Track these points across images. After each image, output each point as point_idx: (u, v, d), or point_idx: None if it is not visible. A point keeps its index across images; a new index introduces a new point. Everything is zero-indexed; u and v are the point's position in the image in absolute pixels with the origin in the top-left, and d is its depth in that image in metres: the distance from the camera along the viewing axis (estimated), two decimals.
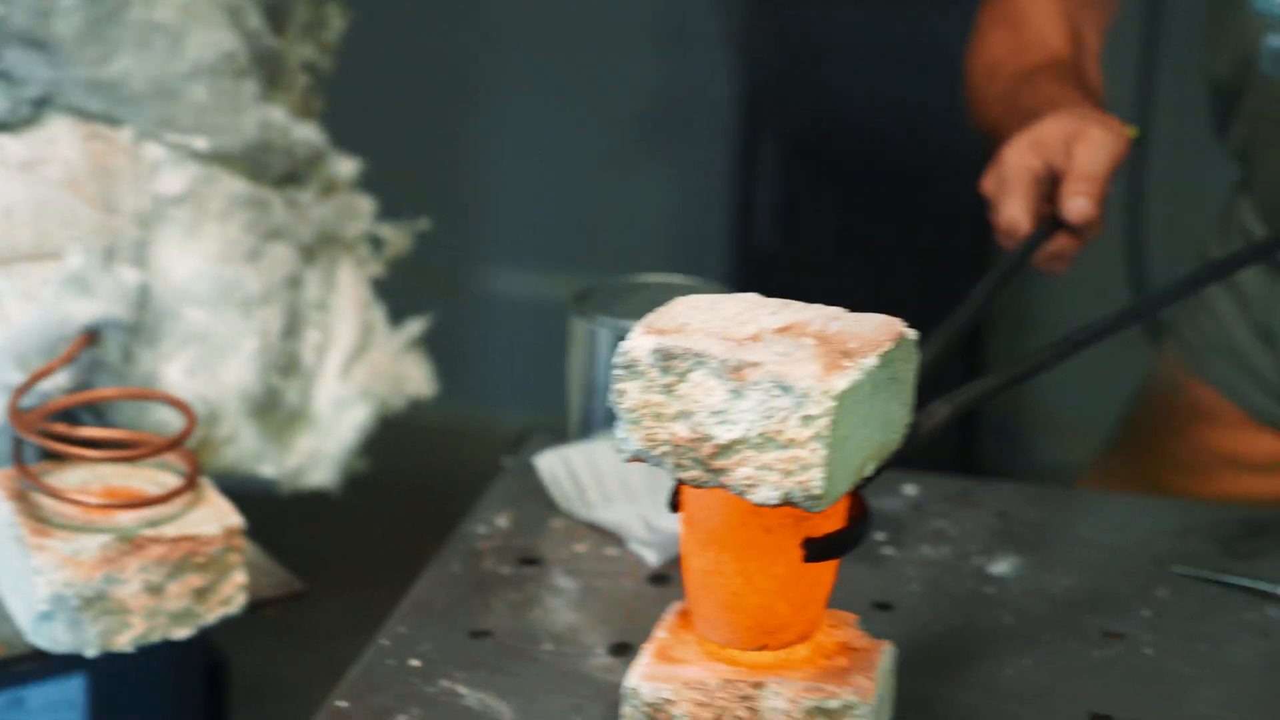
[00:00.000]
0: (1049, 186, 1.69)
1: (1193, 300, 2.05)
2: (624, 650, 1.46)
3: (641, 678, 1.28)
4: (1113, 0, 2.00)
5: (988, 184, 1.72)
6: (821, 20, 3.34)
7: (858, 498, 1.33)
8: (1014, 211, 1.67)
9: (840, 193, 3.41)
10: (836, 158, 3.39)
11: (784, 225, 3.44)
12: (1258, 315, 1.96)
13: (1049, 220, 1.69)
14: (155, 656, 1.54)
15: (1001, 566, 1.61)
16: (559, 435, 1.75)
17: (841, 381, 1.18)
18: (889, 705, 1.33)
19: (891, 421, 1.27)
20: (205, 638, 1.57)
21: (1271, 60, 1.84)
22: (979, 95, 1.94)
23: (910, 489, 1.72)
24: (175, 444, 1.59)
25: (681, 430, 1.21)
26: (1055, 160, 1.69)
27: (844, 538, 1.30)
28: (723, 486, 1.21)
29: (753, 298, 1.30)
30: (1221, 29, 1.95)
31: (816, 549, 1.28)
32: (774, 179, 3.43)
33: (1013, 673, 1.46)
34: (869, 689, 1.26)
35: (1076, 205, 1.66)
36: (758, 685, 1.26)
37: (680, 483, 1.24)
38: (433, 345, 2.04)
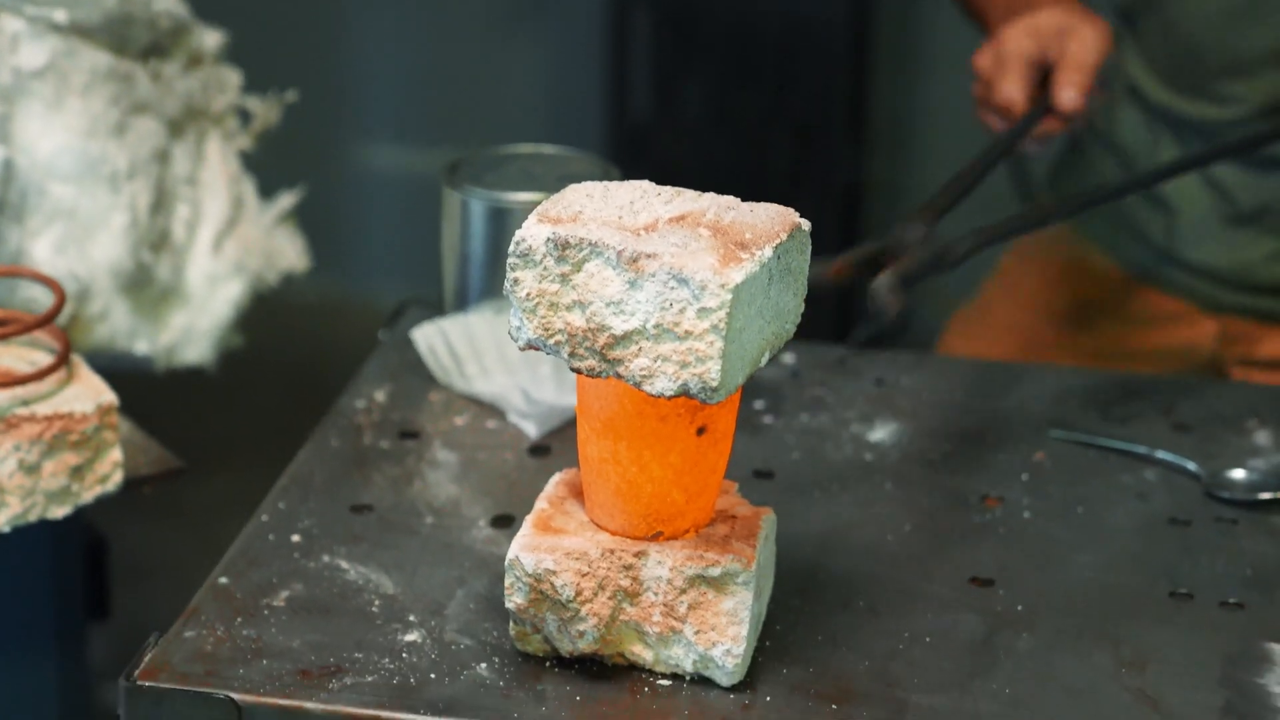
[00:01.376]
0: (1040, 72, 1.75)
1: (1072, 158, 2.08)
2: (505, 522, 1.47)
3: (523, 548, 1.28)
4: None
5: (982, 60, 1.78)
6: None
7: None
8: (1011, 91, 1.73)
9: (713, 63, 3.41)
10: (708, 28, 3.39)
11: (658, 96, 3.44)
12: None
13: (1039, 104, 1.75)
14: (33, 536, 1.54)
15: (879, 433, 1.63)
16: (435, 308, 1.75)
17: (738, 274, 1.18)
18: (770, 572, 1.35)
19: (786, 311, 1.28)
20: (83, 516, 1.57)
21: None
22: None
23: (788, 358, 1.73)
24: (45, 321, 1.57)
25: (577, 320, 1.22)
26: (1050, 48, 1.74)
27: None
28: (618, 377, 1.22)
29: (645, 185, 1.29)
30: None
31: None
32: (647, 50, 3.42)
33: (893, 539, 1.48)
34: (750, 556, 1.27)
35: (1068, 95, 1.72)
36: (640, 554, 1.27)
37: (576, 372, 1.24)
38: (305, 220, 2.03)
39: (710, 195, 1.28)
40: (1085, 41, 1.74)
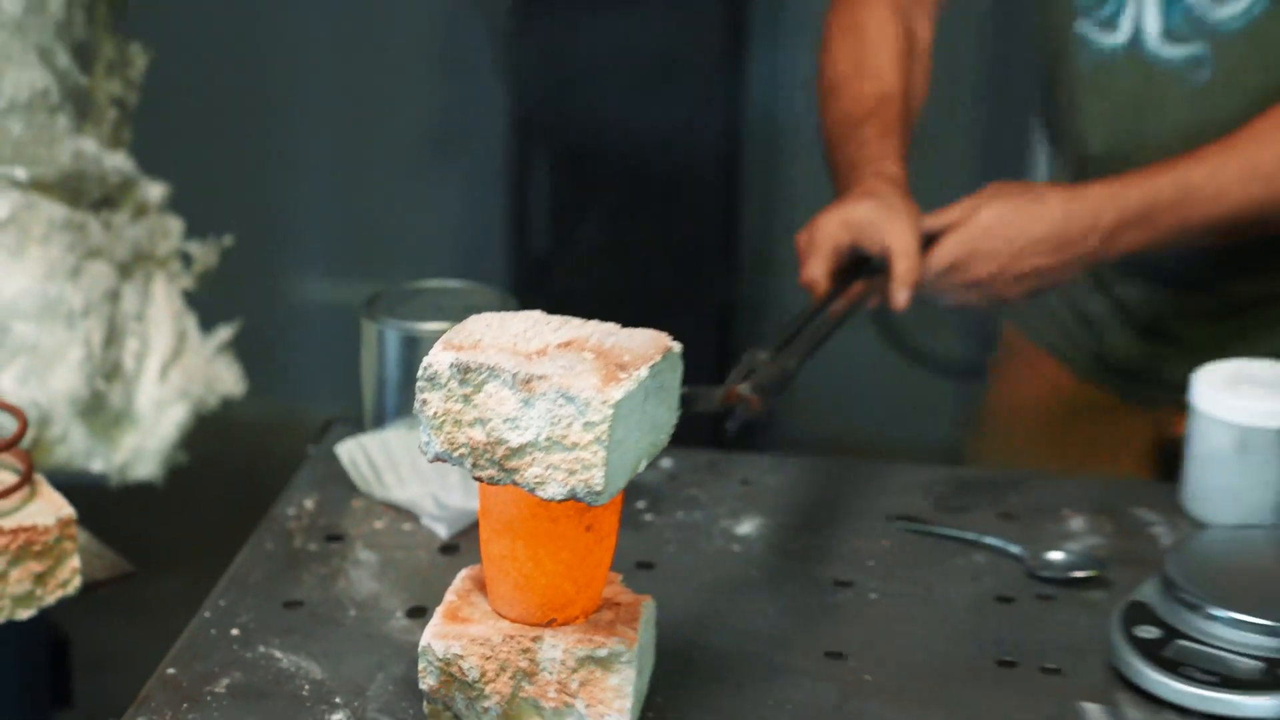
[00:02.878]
0: (849, 254, 1.71)
1: None
2: (419, 613, 1.47)
3: (434, 636, 1.29)
4: None
5: (800, 240, 1.74)
6: (579, 48, 3.34)
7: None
8: (815, 273, 1.70)
9: (603, 201, 3.41)
10: (599, 170, 3.39)
11: (555, 232, 3.44)
12: (1078, 302, 2.00)
13: (847, 276, 1.72)
14: (1, 635, 1.53)
15: (746, 527, 1.63)
16: (357, 425, 1.75)
17: (617, 392, 1.20)
18: (651, 652, 1.36)
19: (661, 423, 1.29)
20: (46, 617, 1.56)
21: (1077, 43, 1.86)
22: (823, 109, 1.93)
23: (665, 462, 1.73)
24: (10, 445, 1.56)
25: (478, 435, 1.23)
26: (860, 240, 1.71)
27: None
28: (515, 484, 1.23)
29: (537, 315, 1.30)
30: (1041, 12, 1.95)
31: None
32: (545, 190, 3.43)
33: (759, 620, 1.48)
34: (632, 638, 1.29)
35: (901, 297, 1.69)
36: (536, 639, 1.28)
37: (478, 480, 1.25)
38: (241, 348, 2.03)
39: (594, 323, 1.29)
40: (900, 233, 1.69)
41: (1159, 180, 1.72)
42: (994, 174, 3.19)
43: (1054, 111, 1.98)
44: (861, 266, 1.73)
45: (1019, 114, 3.33)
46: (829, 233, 1.71)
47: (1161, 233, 1.73)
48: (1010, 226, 1.69)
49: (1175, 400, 1.78)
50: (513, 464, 1.22)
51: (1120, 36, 1.85)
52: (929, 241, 1.72)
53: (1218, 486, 1.63)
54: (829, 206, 1.75)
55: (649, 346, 1.27)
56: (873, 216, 1.71)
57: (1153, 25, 1.82)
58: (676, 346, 1.29)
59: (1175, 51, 1.82)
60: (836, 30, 1.96)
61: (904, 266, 1.68)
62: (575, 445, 1.20)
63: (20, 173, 1.78)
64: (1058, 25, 1.90)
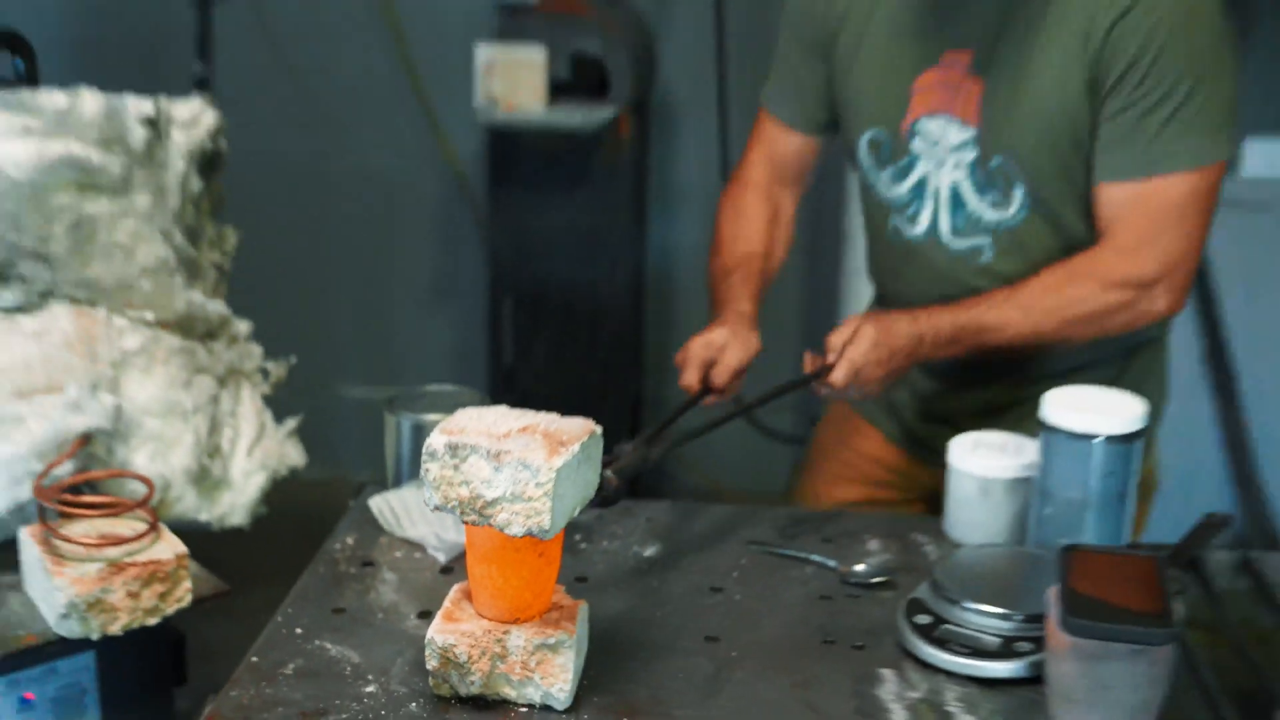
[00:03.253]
0: (709, 365, 1.71)
1: None
2: (426, 615, 1.46)
3: (436, 631, 1.29)
4: (804, 182, 1.98)
5: (678, 358, 1.73)
6: (534, 225, 3.35)
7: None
8: (690, 380, 1.70)
9: (550, 330, 3.41)
10: (547, 308, 3.38)
11: (517, 351, 3.43)
12: (890, 391, 1.93)
13: (706, 384, 1.73)
14: (137, 636, 1.52)
15: (649, 551, 1.63)
16: (382, 485, 1.74)
17: (559, 461, 1.21)
18: (585, 639, 1.36)
19: (588, 482, 1.31)
20: (168, 622, 1.55)
21: (893, 231, 1.84)
22: (710, 262, 1.91)
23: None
24: (143, 504, 1.56)
25: (464, 492, 1.23)
26: (714, 356, 1.71)
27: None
28: (490, 525, 1.23)
29: (504, 409, 1.31)
30: (866, 208, 1.92)
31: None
32: (511, 322, 3.42)
33: (659, 615, 1.48)
34: (572, 631, 1.29)
35: (719, 384, 1.70)
36: (506, 632, 1.29)
37: (465, 522, 1.25)
38: (302, 433, 2.00)
39: (544, 414, 1.30)
40: (736, 354, 1.71)
41: (965, 314, 1.70)
42: (823, 312, 3.22)
43: (879, 273, 1.95)
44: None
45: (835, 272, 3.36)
46: (695, 352, 1.72)
47: (966, 349, 1.72)
48: (882, 344, 1.66)
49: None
50: (488, 511, 1.23)
51: (921, 230, 1.80)
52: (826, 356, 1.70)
53: (967, 519, 1.64)
54: (698, 333, 1.74)
55: (580, 429, 1.28)
56: (722, 341, 1.72)
57: (945, 224, 1.78)
58: (598, 429, 1.30)
59: (962, 243, 1.78)
60: (724, 207, 1.94)
61: (722, 377, 1.70)
62: (530, 498, 1.22)
63: (149, 315, 1.77)
64: (879, 218, 1.86)
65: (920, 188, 1.78)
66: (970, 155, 1.73)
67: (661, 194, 3.62)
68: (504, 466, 1.21)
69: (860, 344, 1.65)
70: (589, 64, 3.26)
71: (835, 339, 1.68)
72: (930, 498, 1.94)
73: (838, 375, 1.65)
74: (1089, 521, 1.52)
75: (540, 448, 1.22)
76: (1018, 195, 1.72)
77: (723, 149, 3.39)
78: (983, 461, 1.62)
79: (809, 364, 1.71)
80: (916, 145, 1.76)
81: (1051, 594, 1.28)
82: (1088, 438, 1.49)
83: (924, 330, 1.69)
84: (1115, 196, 1.67)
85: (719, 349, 1.71)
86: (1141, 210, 1.66)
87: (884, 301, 1.96)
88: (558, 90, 3.23)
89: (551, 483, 1.20)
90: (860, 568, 1.57)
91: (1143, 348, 1.90)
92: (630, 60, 3.26)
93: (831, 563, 1.59)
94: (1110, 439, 1.49)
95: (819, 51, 1.83)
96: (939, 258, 1.80)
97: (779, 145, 1.93)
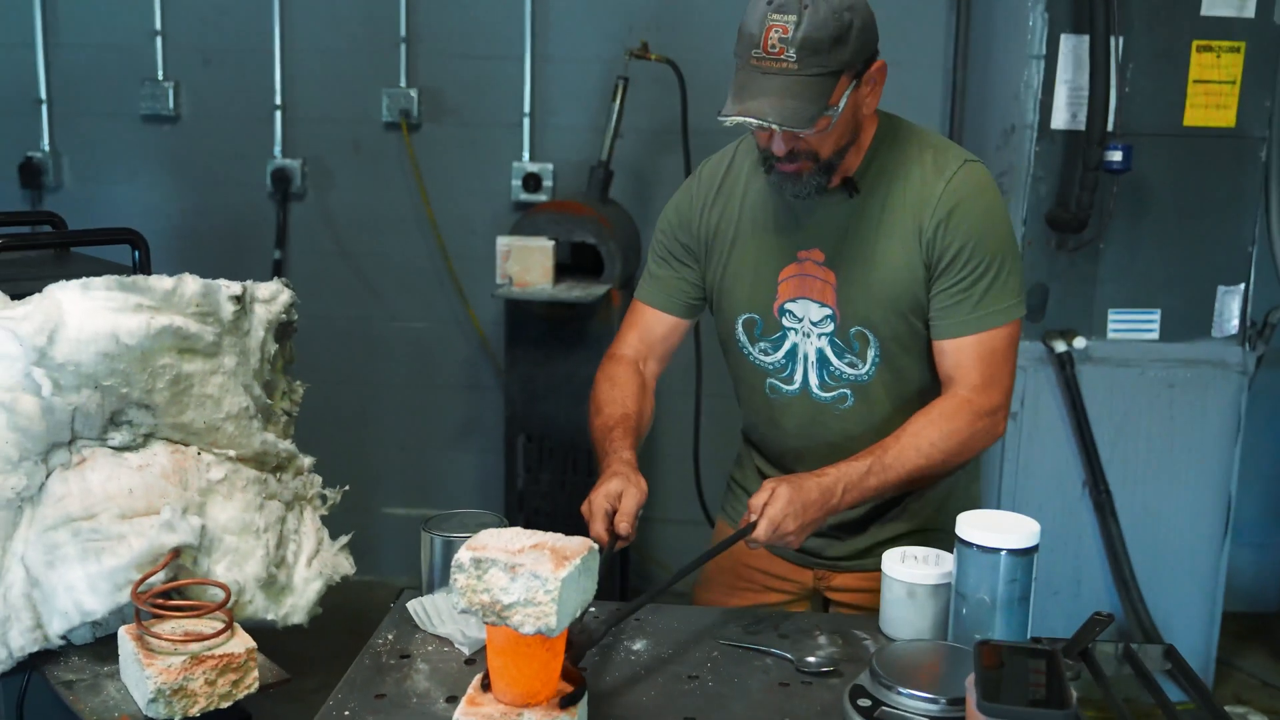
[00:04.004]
0: (612, 515, 1.64)
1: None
2: (453, 700, 1.43)
3: (461, 714, 1.27)
4: (668, 357, 1.94)
5: (584, 508, 1.67)
6: (541, 378, 3.36)
7: (579, 675, 1.34)
8: (598, 530, 1.63)
9: (556, 460, 3.40)
10: (551, 446, 3.37)
11: (528, 481, 3.42)
12: None
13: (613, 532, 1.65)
14: (212, 718, 1.48)
15: (638, 645, 1.60)
16: (417, 591, 1.71)
17: (563, 572, 1.21)
18: (585, 715, 1.33)
19: (587, 589, 1.29)
20: (238, 705, 1.51)
21: (769, 388, 1.83)
22: (591, 421, 1.86)
23: (592, 609, 1.68)
24: (220, 607, 1.54)
25: (485, 598, 1.22)
26: (614, 504, 1.64)
27: (575, 694, 1.31)
28: (507, 625, 1.22)
29: (519, 529, 1.30)
30: (738, 372, 1.88)
31: (567, 698, 1.28)
32: (523, 457, 3.41)
33: (645, 699, 1.46)
34: (574, 713, 1.27)
35: (624, 528, 1.62)
36: (519, 714, 1.26)
37: (486, 622, 1.24)
38: (353, 547, 1.98)
39: (550, 534, 1.30)
40: (631, 499, 1.64)
41: (862, 461, 1.69)
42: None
43: (757, 424, 1.91)
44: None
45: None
46: (598, 504, 1.65)
47: (872, 492, 1.69)
48: (796, 501, 1.61)
49: (824, 564, 1.81)
50: (505, 614, 1.22)
51: (795, 387, 1.81)
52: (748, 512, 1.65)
53: (899, 618, 1.62)
54: (596, 486, 1.67)
55: (580, 546, 1.28)
56: (619, 489, 1.65)
57: (814, 380, 1.79)
58: (595, 546, 1.30)
59: (828, 394, 1.79)
60: (601, 378, 1.88)
61: (624, 525, 1.63)
62: (540, 603, 1.21)
63: (231, 452, 1.76)
64: (755, 380, 1.85)
65: (792, 354, 1.80)
66: (829, 328, 1.76)
67: None
68: (518, 577, 1.21)
69: (776, 503, 1.60)
70: (587, 250, 3.32)
71: (755, 500, 1.62)
72: (810, 596, 1.92)
73: (760, 532, 1.60)
74: (998, 619, 1.50)
75: (548, 561, 1.21)
76: (870, 355, 1.76)
77: None
78: (910, 570, 1.60)
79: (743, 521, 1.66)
80: (786, 321, 1.79)
81: (969, 681, 1.26)
82: (995, 550, 1.48)
83: (835, 483, 1.65)
84: (957, 348, 1.72)
85: (617, 497, 1.65)
86: (981, 356, 1.71)
87: (760, 450, 1.93)
88: (562, 271, 3.28)
89: (557, 590, 1.19)
90: (812, 659, 1.55)
91: (969, 462, 1.89)
92: (619, 247, 3.31)
93: (788, 655, 1.57)
94: (1011, 551, 1.48)
95: (693, 256, 1.86)
96: (809, 407, 1.81)
97: (655, 328, 1.90)
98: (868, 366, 1.77)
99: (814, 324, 1.77)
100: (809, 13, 1.55)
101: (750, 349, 1.84)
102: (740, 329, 1.83)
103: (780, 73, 1.56)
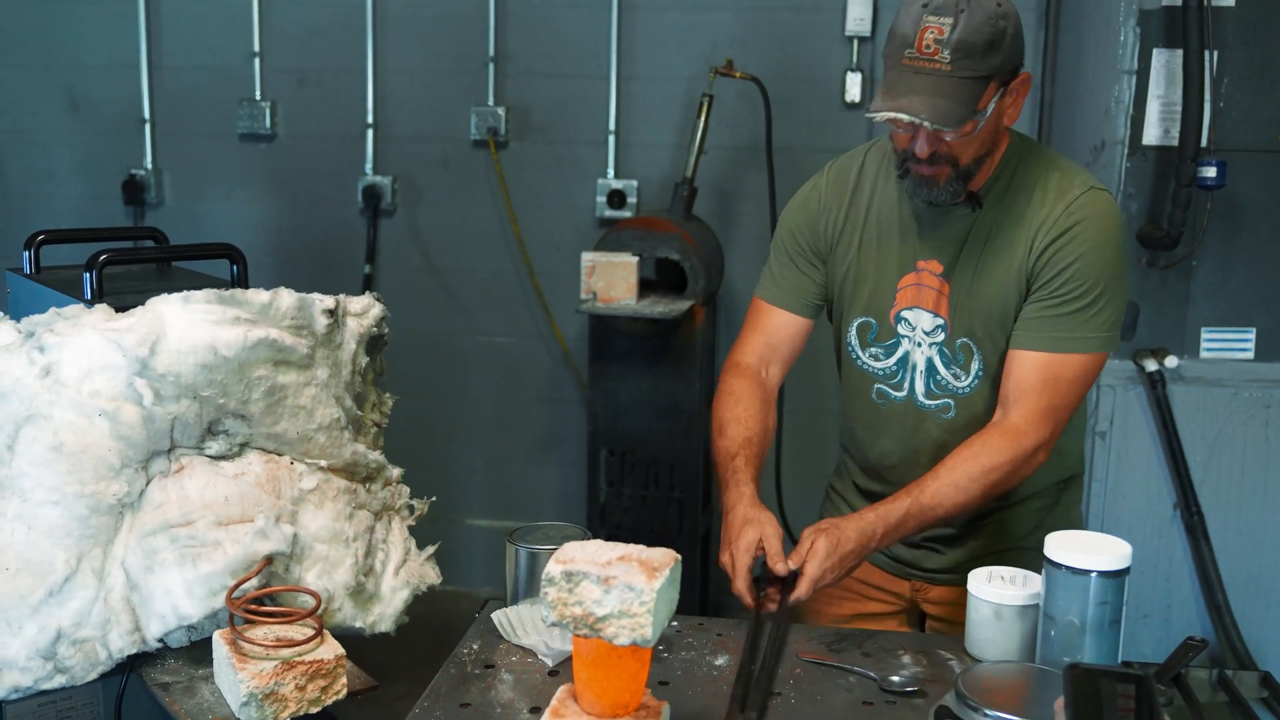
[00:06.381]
0: (761, 568, 1.63)
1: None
2: (537, 711, 1.44)
3: None
4: (793, 359, 1.91)
5: (724, 559, 1.64)
6: (623, 393, 3.37)
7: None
8: (740, 588, 1.63)
9: (638, 474, 3.40)
10: (634, 460, 3.38)
11: (610, 494, 3.43)
12: None
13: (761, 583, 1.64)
14: None
15: (719, 660, 1.59)
16: (502, 602, 1.72)
17: (656, 583, 1.20)
18: None
19: (673, 600, 1.28)
20: (327, 711, 1.53)
21: (876, 393, 1.83)
22: (714, 442, 1.83)
23: (675, 623, 1.69)
24: (311, 614, 1.56)
25: (577, 610, 1.22)
26: (758, 553, 1.63)
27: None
28: (600, 637, 1.22)
29: (600, 542, 1.30)
30: (847, 376, 1.89)
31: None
32: (605, 471, 3.42)
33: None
34: None
35: (781, 570, 1.62)
36: None
37: (577, 635, 1.23)
38: (439, 557, 1.99)
39: (637, 546, 1.29)
40: (773, 541, 1.62)
41: (901, 502, 1.68)
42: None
43: (858, 431, 1.90)
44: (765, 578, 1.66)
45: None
46: (741, 558, 1.63)
47: (911, 530, 1.69)
48: (834, 554, 1.62)
49: (921, 576, 1.80)
50: (599, 626, 1.22)
51: (903, 394, 1.82)
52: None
53: (985, 638, 1.59)
54: (726, 529, 1.65)
55: (667, 557, 1.27)
56: (756, 537, 1.64)
57: (920, 389, 1.80)
58: (679, 557, 1.29)
59: (933, 403, 1.80)
60: (721, 393, 1.86)
61: (780, 566, 1.61)
62: (635, 614, 1.21)
63: (323, 463, 1.78)
64: (864, 386, 1.84)
65: (903, 361, 1.80)
66: (940, 337, 1.77)
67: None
68: (612, 589, 1.20)
69: (814, 560, 1.61)
70: (671, 266, 3.32)
71: (797, 551, 1.63)
72: (907, 609, 1.91)
73: (801, 591, 1.61)
74: (1088, 642, 1.46)
75: (640, 573, 1.21)
76: (974, 367, 1.76)
77: None
78: (996, 590, 1.57)
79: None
80: (901, 329, 1.80)
81: (1058, 705, 1.22)
82: (1085, 572, 1.45)
83: (873, 525, 1.65)
84: (1024, 362, 1.69)
85: (757, 545, 1.64)
86: (1046, 380, 1.67)
87: (854, 456, 1.91)
88: (645, 287, 3.28)
89: (653, 601, 1.19)
90: (896, 678, 1.53)
91: (1071, 481, 1.90)
92: (703, 264, 3.30)
93: (872, 674, 1.55)
94: (1102, 573, 1.44)
95: (818, 258, 1.85)
96: (913, 415, 1.82)
97: (779, 330, 1.88)
98: (970, 379, 1.77)
99: (926, 333, 1.78)
100: (965, 16, 1.56)
101: (859, 353, 1.84)
102: (854, 333, 1.84)
103: (933, 73, 1.56)
